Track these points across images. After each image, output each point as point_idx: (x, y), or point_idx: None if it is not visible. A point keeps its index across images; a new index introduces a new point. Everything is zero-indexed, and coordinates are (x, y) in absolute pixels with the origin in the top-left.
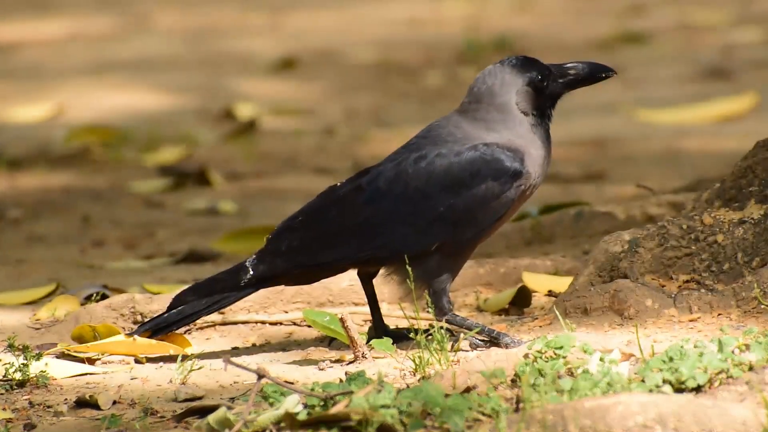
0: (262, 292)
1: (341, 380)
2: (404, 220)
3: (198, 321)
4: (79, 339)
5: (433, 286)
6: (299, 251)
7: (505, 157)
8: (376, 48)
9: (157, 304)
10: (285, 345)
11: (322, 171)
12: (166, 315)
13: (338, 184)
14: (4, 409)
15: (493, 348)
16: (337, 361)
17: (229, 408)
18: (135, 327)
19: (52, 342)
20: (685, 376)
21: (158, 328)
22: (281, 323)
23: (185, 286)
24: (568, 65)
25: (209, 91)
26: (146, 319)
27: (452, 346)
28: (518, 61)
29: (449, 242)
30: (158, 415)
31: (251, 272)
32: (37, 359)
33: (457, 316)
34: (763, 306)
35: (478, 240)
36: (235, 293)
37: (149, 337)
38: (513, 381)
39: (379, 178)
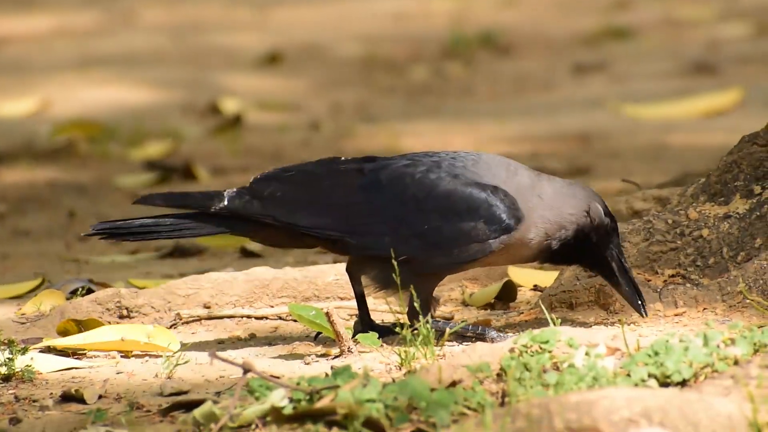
0: (247, 286)
1: (327, 374)
2: (389, 220)
3: (183, 315)
4: (65, 333)
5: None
6: (278, 203)
7: (506, 208)
8: (362, 43)
9: (143, 298)
10: (271, 339)
11: None
12: (128, 221)
13: (342, 158)
14: None
15: (478, 342)
16: (323, 355)
17: (215, 402)
18: (120, 321)
19: (37, 336)
20: (671, 370)
21: (117, 232)
22: (267, 318)
23: (170, 282)
24: (627, 272)
25: (195, 86)
26: (132, 314)
27: (438, 341)
28: (606, 206)
29: (417, 261)
30: (144, 409)
31: (225, 202)
32: (23, 353)
33: (439, 321)
34: (748, 300)
35: (443, 272)
36: (199, 226)
37: (104, 238)
38: (498, 375)
39: (383, 170)
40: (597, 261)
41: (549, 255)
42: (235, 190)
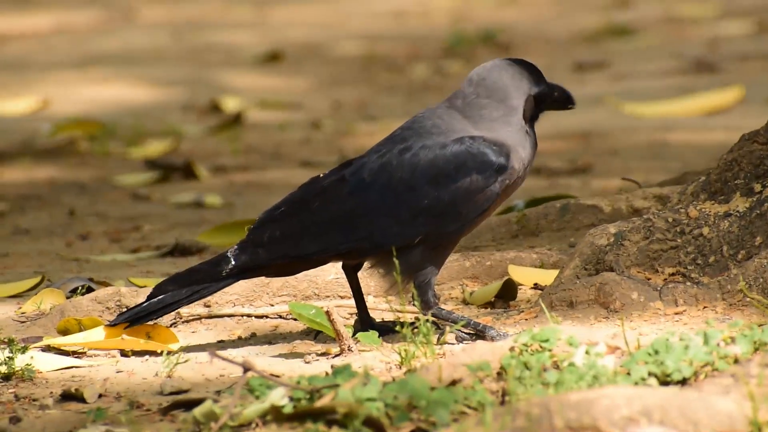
0: (247, 284)
1: (327, 373)
2: (388, 212)
3: (184, 314)
4: (65, 332)
5: (417, 279)
6: (281, 242)
7: (491, 151)
8: (362, 41)
9: (143, 297)
10: (271, 338)
11: (307, 164)
12: (146, 304)
13: (321, 175)
14: None
15: (478, 341)
16: (323, 354)
17: (215, 401)
18: None
19: (37, 335)
20: (671, 369)
21: (137, 317)
22: (267, 316)
23: None
24: (554, 86)
25: (195, 85)
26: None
27: (438, 339)
28: (530, 67)
29: (432, 235)
30: (144, 408)
31: (233, 262)
32: (23, 352)
33: (443, 309)
34: (748, 299)
35: (462, 233)
36: (215, 284)
37: (128, 327)
38: (499, 374)
39: (362, 169)
40: (542, 110)
41: (535, 139)
42: (236, 247)
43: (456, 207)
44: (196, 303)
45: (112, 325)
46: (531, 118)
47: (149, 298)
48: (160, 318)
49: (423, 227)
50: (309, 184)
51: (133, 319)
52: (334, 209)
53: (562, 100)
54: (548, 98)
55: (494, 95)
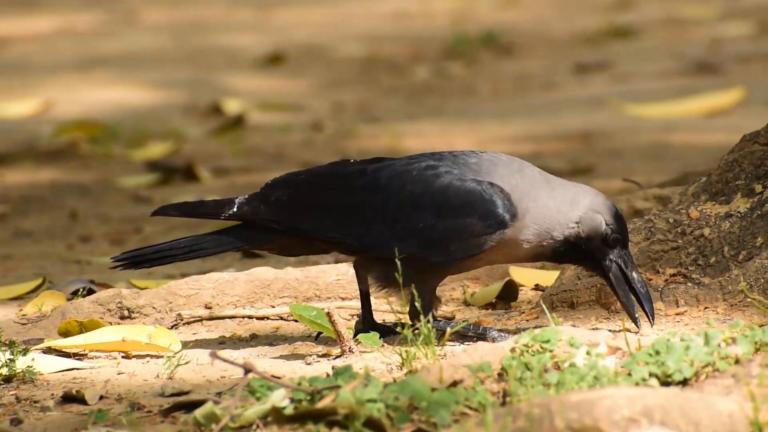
0: (248, 286)
1: (328, 375)
2: (386, 219)
3: (185, 316)
4: (66, 334)
5: (410, 291)
6: (284, 207)
7: (501, 203)
8: (364, 43)
9: (144, 298)
10: (272, 339)
11: (309, 166)
12: (144, 249)
13: (352, 160)
14: None
15: (479, 342)
16: (324, 355)
17: (216, 402)
18: (121, 322)
19: (38, 337)
20: (672, 369)
21: (136, 261)
22: (268, 318)
23: (172, 282)
24: (636, 269)
25: (196, 87)
26: (133, 315)
27: (438, 341)
28: (615, 207)
29: (417, 260)
30: (145, 409)
31: (235, 209)
32: (24, 354)
33: (440, 321)
34: (749, 299)
35: (445, 269)
36: (213, 243)
37: (126, 267)
38: (500, 375)
39: (385, 170)
40: (594, 268)
41: (545, 258)
42: (246, 196)
43: (446, 241)
44: (196, 305)
45: (112, 266)
46: (572, 242)
47: (153, 214)
48: (157, 265)
49: (411, 247)
50: (336, 165)
51: (133, 262)
52: (342, 197)
53: (627, 310)
54: (607, 244)
55: (570, 187)
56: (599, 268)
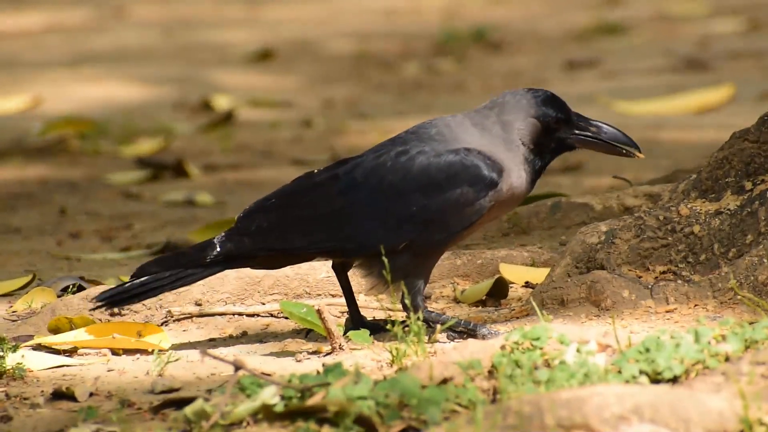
0: (239, 283)
1: (318, 372)
2: (375, 215)
3: (174, 312)
4: (56, 331)
5: (404, 284)
6: (268, 234)
7: (484, 165)
8: (353, 39)
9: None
10: (262, 337)
11: (299, 162)
12: (128, 285)
13: (315, 171)
14: None
15: (470, 339)
16: (315, 352)
17: (206, 400)
18: (111, 319)
19: (28, 334)
20: (662, 367)
21: (119, 299)
22: (258, 315)
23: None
24: (594, 122)
25: (186, 83)
26: (123, 312)
27: (429, 338)
28: (543, 94)
29: (417, 243)
30: (135, 407)
31: (218, 249)
32: (14, 351)
33: (432, 312)
34: (739, 297)
35: (447, 244)
36: (200, 270)
37: (108, 307)
38: (490, 372)
39: (356, 169)
40: (569, 148)
41: (537, 176)
42: (223, 234)
43: (443, 217)
44: (186, 302)
45: (93, 306)
46: (538, 145)
47: (132, 278)
48: (142, 301)
49: (408, 234)
50: (303, 179)
51: (115, 300)
52: (323, 206)
53: (605, 142)
54: (564, 126)
55: (502, 114)
56: (569, 148)
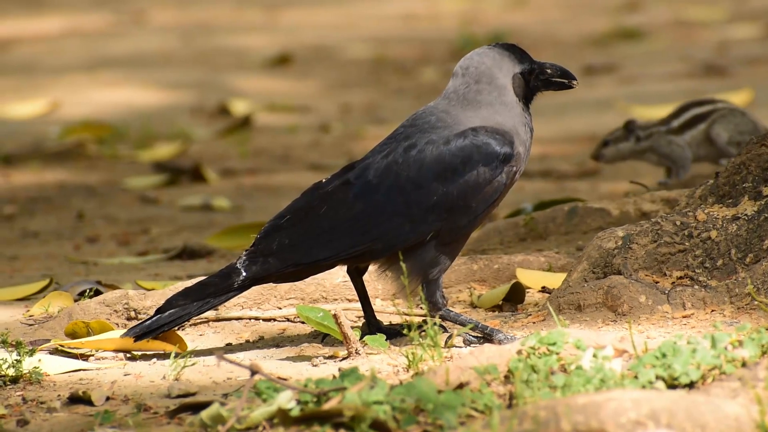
0: (255, 288)
1: (334, 376)
2: (398, 211)
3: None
4: (73, 335)
5: (427, 278)
6: (292, 250)
7: (495, 141)
8: (371, 44)
9: (151, 300)
10: (278, 341)
11: (316, 167)
12: (156, 318)
13: (323, 180)
14: None
15: (486, 344)
16: (331, 357)
17: (222, 404)
18: (128, 324)
19: (45, 338)
20: (678, 372)
21: (149, 330)
22: (275, 319)
23: (179, 283)
24: (545, 63)
25: (204, 88)
26: (140, 316)
27: (445, 343)
28: (512, 48)
29: (445, 230)
30: (151, 411)
31: (244, 274)
32: (31, 355)
33: (451, 311)
34: (756, 302)
35: (474, 226)
36: (223, 297)
37: (138, 339)
38: (506, 377)
39: (367, 171)
40: (535, 91)
41: (532, 131)
42: (244, 257)
43: (466, 201)
44: None
45: (123, 336)
46: (524, 98)
47: (158, 312)
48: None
49: (435, 223)
50: (312, 190)
51: (145, 333)
52: (342, 213)
53: (560, 77)
54: (539, 76)
55: (482, 79)
56: (535, 93)
